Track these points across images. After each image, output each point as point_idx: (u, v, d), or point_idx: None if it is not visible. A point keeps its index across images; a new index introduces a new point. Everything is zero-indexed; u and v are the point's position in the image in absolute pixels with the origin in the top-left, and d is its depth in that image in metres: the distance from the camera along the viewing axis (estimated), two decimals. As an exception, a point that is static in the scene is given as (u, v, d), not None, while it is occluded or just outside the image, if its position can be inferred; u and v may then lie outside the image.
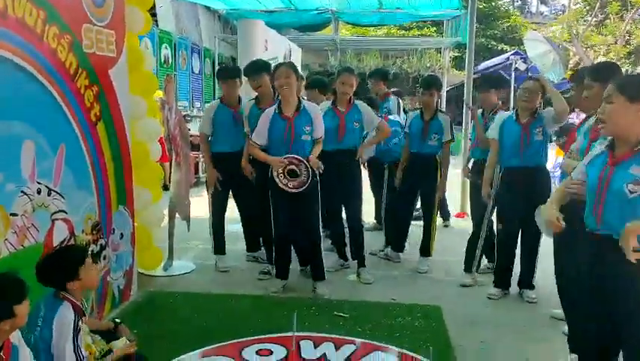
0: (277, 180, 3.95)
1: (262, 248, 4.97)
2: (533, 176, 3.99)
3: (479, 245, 4.46)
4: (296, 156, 3.95)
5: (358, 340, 2.81)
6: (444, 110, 4.67)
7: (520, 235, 4.17)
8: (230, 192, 4.83)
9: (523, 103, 3.99)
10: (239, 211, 4.88)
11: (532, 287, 4.18)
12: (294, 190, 3.96)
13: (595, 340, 2.44)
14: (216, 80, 5.13)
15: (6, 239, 2.65)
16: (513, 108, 4.20)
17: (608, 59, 21.61)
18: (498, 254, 4.28)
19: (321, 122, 4.15)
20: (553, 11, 34.70)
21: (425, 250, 4.87)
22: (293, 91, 4.08)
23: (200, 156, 9.16)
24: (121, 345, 2.63)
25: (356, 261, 4.70)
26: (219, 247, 4.87)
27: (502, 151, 4.11)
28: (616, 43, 22.60)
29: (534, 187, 3.93)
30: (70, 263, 2.46)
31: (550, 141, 4.44)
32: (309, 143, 4.10)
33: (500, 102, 4.74)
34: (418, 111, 4.82)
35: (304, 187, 3.95)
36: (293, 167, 3.95)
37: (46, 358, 2.32)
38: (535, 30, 21.63)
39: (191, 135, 5.43)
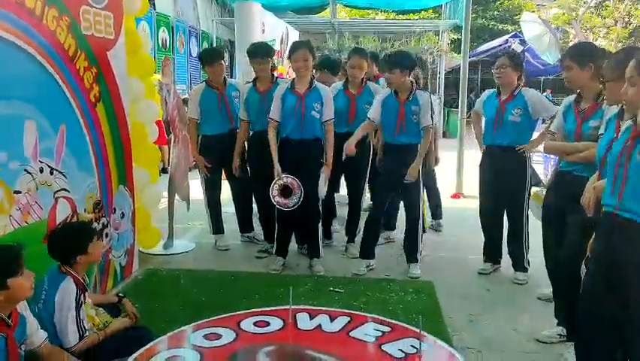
0: (270, 190, 4.08)
1: (254, 229, 5.07)
2: (505, 155, 3.95)
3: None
4: (297, 182, 4.05)
5: (353, 312, 2.90)
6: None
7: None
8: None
9: (497, 79, 3.99)
10: (231, 192, 4.94)
11: (523, 270, 4.12)
12: (278, 204, 4.09)
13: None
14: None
15: (10, 215, 2.74)
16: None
17: (609, 41, 21.57)
18: (482, 229, 4.31)
19: (331, 105, 4.22)
20: (553, -7, 34.39)
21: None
22: (309, 72, 4.19)
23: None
24: (118, 321, 2.74)
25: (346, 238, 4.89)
26: (217, 226, 4.96)
27: (484, 127, 4.16)
28: (616, 24, 22.51)
29: (507, 167, 3.94)
30: (79, 237, 2.59)
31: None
32: (318, 121, 4.16)
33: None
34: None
35: (288, 208, 4.09)
36: (289, 185, 4.06)
37: (49, 329, 2.42)
38: (534, 12, 21.54)
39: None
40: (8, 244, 2.20)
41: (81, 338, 2.47)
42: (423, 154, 4.15)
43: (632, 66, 2.14)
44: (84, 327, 2.52)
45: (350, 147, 4.08)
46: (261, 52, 4.50)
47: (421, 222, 4.32)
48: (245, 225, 5.06)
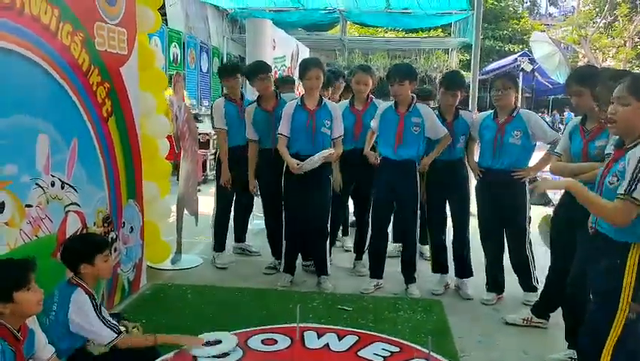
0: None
1: (245, 241, 5.14)
2: (504, 179, 3.83)
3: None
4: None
5: (361, 331, 2.88)
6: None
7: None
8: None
9: (496, 101, 3.88)
10: (235, 202, 4.95)
11: (532, 289, 4.02)
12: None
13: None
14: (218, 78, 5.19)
15: (21, 229, 2.75)
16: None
17: (617, 62, 21.59)
18: (485, 256, 4.17)
19: (341, 122, 4.25)
20: (562, 13, 34.60)
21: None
22: (319, 90, 4.22)
23: (209, 153, 9.30)
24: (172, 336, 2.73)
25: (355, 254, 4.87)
26: (221, 243, 4.94)
27: (480, 150, 4.06)
28: (625, 45, 22.55)
29: (506, 190, 3.86)
30: (89, 247, 2.60)
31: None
32: (328, 138, 4.18)
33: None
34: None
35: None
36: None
37: (59, 339, 2.42)
38: (544, 32, 21.63)
39: (199, 133, 5.52)
40: (18, 258, 2.21)
41: (116, 332, 2.49)
42: (441, 149, 4.09)
43: (624, 86, 2.30)
44: (113, 323, 2.54)
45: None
46: (259, 70, 4.52)
47: (417, 241, 4.28)
48: (240, 233, 5.13)
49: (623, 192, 2.21)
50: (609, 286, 2.39)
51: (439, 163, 4.15)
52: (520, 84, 12.86)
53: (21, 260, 2.19)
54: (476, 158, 4.19)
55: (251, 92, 4.88)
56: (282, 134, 4.18)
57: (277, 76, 6.95)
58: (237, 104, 4.72)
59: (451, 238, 4.36)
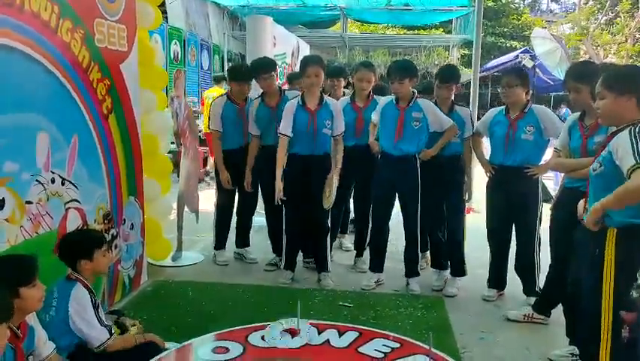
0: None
1: (249, 245, 5.02)
2: (517, 176, 3.78)
3: None
4: None
5: (362, 327, 2.87)
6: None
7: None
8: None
9: (505, 98, 3.85)
10: (237, 205, 4.89)
11: (535, 294, 3.87)
12: None
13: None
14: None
15: (21, 226, 2.74)
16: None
17: (619, 58, 21.52)
18: (491, 253, 4.14)
19: (342, 119, 4.24)
20: (563, 9, 34.46)
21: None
22: (319, 87, 4.19)
23: (209, 150, 9.28)
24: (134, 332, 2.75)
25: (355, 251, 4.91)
26: (221, 241, 4.90)
27: (491, 147, 4.02)
28: (626, 41, 22.47)
29: (518, 188, 3.80)
30: (88, 242, 2.61)
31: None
32: (329, 137, 4.19)
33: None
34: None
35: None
36: None
37: (59, 336, 2.41)
38: (545, 28, 21.57)
39: (199, 131, 5.51)
40: (23, 254, 2.21)
41: (109, 333, 2.51)
42: (446, 139, 4.06)
43: (599, 82, 2.44)
44: (107, 324, 2.55)
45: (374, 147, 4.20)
46: (263, 67, 4.47)
47: (419, 237, 4.24)
48: (243, 239, 5.00)
49: (633, 163, 2.21)
50: (591, 279, 2.44)
51: (434, 158, 4.11)
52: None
53: (26, 256, 2.20)
54: (486, 155, 4.15)
55: (254, 89, 4.80)
56: (283, 133, 4.12)
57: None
58: (239, 105, 4.60)
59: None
